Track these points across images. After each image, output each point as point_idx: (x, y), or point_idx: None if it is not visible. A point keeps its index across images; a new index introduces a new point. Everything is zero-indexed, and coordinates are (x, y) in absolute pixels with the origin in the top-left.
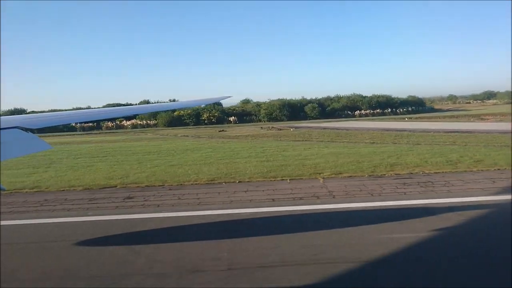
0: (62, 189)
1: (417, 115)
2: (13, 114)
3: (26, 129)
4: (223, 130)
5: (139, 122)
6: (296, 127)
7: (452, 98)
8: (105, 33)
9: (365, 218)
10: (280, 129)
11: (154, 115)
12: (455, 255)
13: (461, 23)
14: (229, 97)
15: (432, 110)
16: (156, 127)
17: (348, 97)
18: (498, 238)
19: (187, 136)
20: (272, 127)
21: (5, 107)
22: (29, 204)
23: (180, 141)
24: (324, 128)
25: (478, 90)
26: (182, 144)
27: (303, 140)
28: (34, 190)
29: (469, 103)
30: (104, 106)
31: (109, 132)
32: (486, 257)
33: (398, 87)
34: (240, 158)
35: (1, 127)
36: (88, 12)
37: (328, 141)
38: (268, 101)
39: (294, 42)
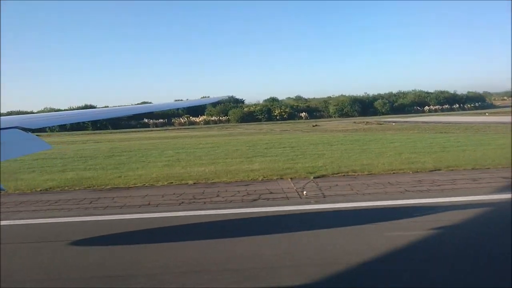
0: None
1: (487, 111)
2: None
3: (25, 129)
4: (316, 125)
5: (210, 118)
6: (394, 122)
7: (487, 95)
8: (109, 32)
9: None
10: (381, 123)
11: (224, 111)
12: None
13: (460, 22)
14: (231, 96)
15: (492, 106)
16: (228, 122)
17: (414, 93)
18: None
19: (287, 130)
20: (367, 122)
21: (76, 103)
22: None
23: (311, 135)
24: (425, 122)
25: (479, 88)
26: (330, 136)
27: (443, 132)
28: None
29: (505, 99)
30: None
31: (189, 128)
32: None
33: (402, 86)
34: (461, 147)
35: (1, 127)
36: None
37: (481, 133)
38: (330, 97)
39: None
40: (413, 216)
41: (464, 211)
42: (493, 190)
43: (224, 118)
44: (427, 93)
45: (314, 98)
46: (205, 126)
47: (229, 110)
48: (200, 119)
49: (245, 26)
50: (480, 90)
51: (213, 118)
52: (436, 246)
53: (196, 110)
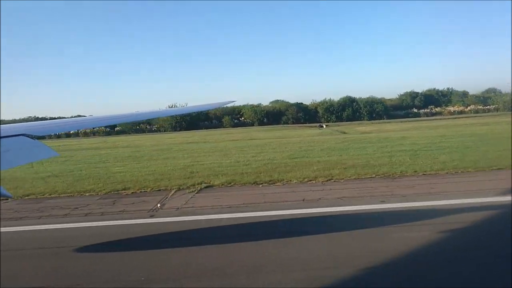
0: None
1: None
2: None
3: (32, 136)
4: None
5: (478, 107)
6: None
7: None
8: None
9: None
10: None
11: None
12: None
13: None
14: (234, 101)
15: None
16: (497, 111)
17: None
18: None
19: None
20: None
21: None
22: None
23: None
24: None
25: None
26: None
27: None
28: None
29: None
30: None
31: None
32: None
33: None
34: None
35: (8, 134)
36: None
37: None
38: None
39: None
40: None
41: None
42: None
43: (490, 107)
44: None
45: None
46: (475, 114)
47: (488, 98)
48: (468, 108)
49: None
50: None
51: (480, 107)
52: None
53: (431, 101)
